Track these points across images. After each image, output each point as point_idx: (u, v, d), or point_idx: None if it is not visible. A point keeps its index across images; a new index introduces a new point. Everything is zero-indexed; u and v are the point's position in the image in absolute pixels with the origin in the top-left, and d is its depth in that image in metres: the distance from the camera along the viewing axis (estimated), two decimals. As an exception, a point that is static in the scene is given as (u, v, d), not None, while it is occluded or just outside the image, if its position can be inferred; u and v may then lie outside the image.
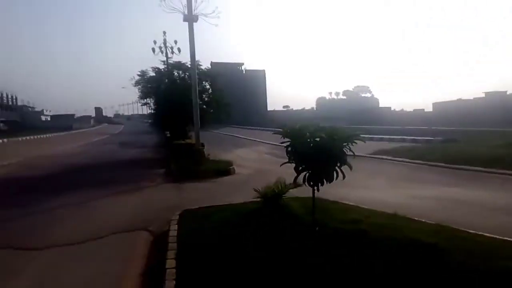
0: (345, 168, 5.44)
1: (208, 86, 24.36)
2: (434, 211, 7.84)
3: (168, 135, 27.89)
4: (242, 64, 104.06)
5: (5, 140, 35.27)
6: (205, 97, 23.64)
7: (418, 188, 10.97)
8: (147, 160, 19.95)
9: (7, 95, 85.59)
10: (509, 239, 5.30)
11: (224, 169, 14.15)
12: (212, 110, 23.57)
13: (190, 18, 14.70)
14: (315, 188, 5.54)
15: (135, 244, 5.99)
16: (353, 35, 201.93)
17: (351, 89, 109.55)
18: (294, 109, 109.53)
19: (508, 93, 76.64)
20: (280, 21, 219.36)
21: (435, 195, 9.72)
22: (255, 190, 6.77)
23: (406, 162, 17.17)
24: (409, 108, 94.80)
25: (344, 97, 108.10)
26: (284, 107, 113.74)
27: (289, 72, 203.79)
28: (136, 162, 19.11)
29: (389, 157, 18.18)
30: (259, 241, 5.36)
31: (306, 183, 5.49)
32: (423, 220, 6.37)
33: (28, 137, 40.95)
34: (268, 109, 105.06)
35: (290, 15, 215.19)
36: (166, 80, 24.60)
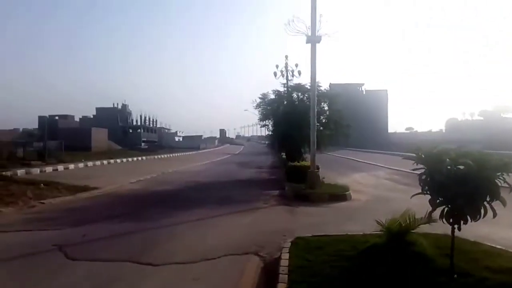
0: (496, 204, 4.37)
1: (326, 107, 23.96)
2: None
3: (284, 156, 28.15)
4: (363, 84, 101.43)
5: (144, 158, 40.18)
6: (323, 118, 23.25)
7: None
8: (262, 180, 20.27)
9: (149, 118, 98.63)
10: None
11: (339, 194, 13.38)
12: (328, 132, 22.99)
13: (313, 40, 14.64)
14: (456, 226, 4.56)
15: (245, 269, 5.76)
16: (490, 47, 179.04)
17: (489, 109, 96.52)
18: (418, 131, 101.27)
19: None
20: (402, 38, 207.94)
21: None
22: (378, 223, 5.97)
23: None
24: None
25: (481, 118, 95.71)
26: (407, 129, 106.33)
27: (413, 91, 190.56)
28: (251, 182, 19.55)
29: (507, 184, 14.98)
30: (380, 285, 4.59)
31: (443, 219, 4.56)
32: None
33: (162, 156, 46.02)
34: (389, 131, 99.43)
35: (413, 31, 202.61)
36: (285, 102, 25.05)
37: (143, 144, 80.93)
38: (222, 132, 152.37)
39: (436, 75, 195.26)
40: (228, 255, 6.50)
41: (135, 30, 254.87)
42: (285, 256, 5.79)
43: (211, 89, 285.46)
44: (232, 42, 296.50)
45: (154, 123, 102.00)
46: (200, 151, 66.04)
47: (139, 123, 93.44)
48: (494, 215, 4.36)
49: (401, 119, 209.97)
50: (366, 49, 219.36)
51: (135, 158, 38.08)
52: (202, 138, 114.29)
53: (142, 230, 8.42)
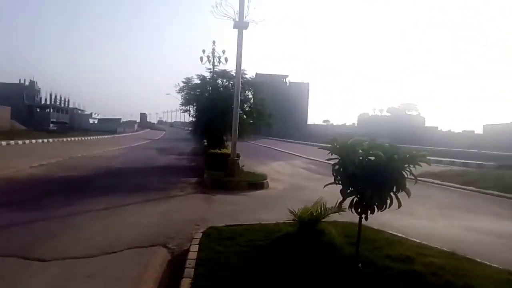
0: (400, 194, 4.50)
1: (250, 96, 23.88)
2: (496, 249, 6.65)
3: (206, 143, 27.67)
4: (287, 76, 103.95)
5: (50, 140, 36.59)
6: (246, 106, 23.16)
7: (472, 219, 9.66)
8: (181, 167, 19.62)
9: (60, 98, 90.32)
10: None
11: (257, 182, 13.40)
12: (252, 121, 23.02)
13: (240, 25, 14.29)
14: (363, 216, 4.62)
15: (149, 263, 5.30)
16: (400, 51, 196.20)
17: (396, 106, 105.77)
18: (334, 123, 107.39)
19: None
20: (325, 33, 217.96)
21: (493, 229, 8.41)
22: (291, 212, 5.92)
23: (457, 187, 15.66)
24: (457, 129, 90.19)
25: (389, 114, 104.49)
26: (324, 121, 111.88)
27: (331, 86, 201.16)
28: (170, 169, 18.80)
29: (437, 181, 16.69)
30: (290, 275, 4.50)
31: (352, 209, 4.59)
32: (488, 263, 5.22)
33: (73, 138, 42.38)
34: (308, 122, 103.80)
35: (336, 27, 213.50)
36: (209, 88, 24.42)
37: (52, 125, 74.08)
38: (143, 116, 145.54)
39: (352, 72, 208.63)
40: (133, 248, 5.97)
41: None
42: (194, 248, 5.46)
43: (133, 70, 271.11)
44: (159, 22, 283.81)
45: (67, 103, 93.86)
46: (117, 135, 62.25)
47: (48, 102, 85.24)
48: (399, 205, 4.49)
49: (319, 112, 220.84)
50: (293, 42, 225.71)
51: (40, 140, 34.49)
52: (121, 121, 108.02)
53: (36, 221, 7.41)
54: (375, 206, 4.50)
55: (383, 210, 4.54)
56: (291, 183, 15.23)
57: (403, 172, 4.42)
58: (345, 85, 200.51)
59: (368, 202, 4.47)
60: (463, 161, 26.48)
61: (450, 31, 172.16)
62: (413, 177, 4.55)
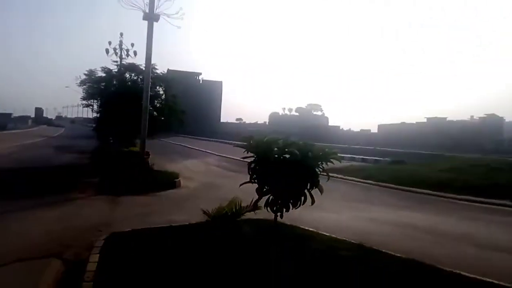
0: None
1: (161, 92, 22.86)
2: (397, 239, 7.20)
3: (112, 141, 25.82)
4: (200, 73, 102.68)
5: None
6: (157, 103, 22.11)
7: (374, 210, 10.44)
8: (82, 167, 17.94)
9: None
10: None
11: (168, 181, 12.83)
12: (163, 117, 22.08)
13: (150, 17, 13.46)
14: (279, 214, 4.54)
15: (40, 278, 4.58)
16: (309, 54, 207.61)
17: (303, 107, 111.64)
18: (246, 122, 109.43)
19: (447, 119, 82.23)
20: (239, 33, 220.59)
21: (392, 219, 9.17)
22: (204, 212, 5.64)
23: (358, 181, 16.90)
24: (356, 128, 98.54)
25: (297, 114, 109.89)
26: (237, 119, 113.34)
27: (244, 85, 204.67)
28: (69, 169, 17.07)
29: (341, 176, 17.82)
30: (202, 279, 4.23)
31: (268, 208, 4.48)
32: (392, 253, 5.58)
33: None
34: (221, 120, 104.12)
35: (249, 28, 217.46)
36: (116, 82, 22.77)
37: None
38: (39, 111, 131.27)
39: (263, 72, 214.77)
40: (22, 261, 5.13)
41: None
42: (94, 257, 4.87)
43: (29, 60, 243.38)
44: (61, 8, 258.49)
45: None
46: (7, 132, 55.13)
47: None
48: (313, 202, 4.49)
49: (232, 111, 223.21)
50: (207, 40, 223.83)
51: None
52: (12, 116, 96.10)
53: None
54: (290, 204, 4.45)
55: (297, 208, 4.52)
56: (205, 181, 14.91)
57: (316, 169, 4.44)
58: (257, 85, 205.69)
59: (283, 200, 4.41)
60: (362, 157, 28.85)
61: (355, 37, 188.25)
62: (325, 174, 4.60)
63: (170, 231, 6.20)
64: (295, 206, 4.50)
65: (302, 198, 4.49)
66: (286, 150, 4.38)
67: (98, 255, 4.96)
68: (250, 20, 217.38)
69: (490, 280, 4.56)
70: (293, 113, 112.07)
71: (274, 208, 4.53)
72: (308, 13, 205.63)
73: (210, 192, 11.92)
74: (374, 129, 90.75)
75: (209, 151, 31.46)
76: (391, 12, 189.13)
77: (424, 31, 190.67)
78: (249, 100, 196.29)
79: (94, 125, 34.70)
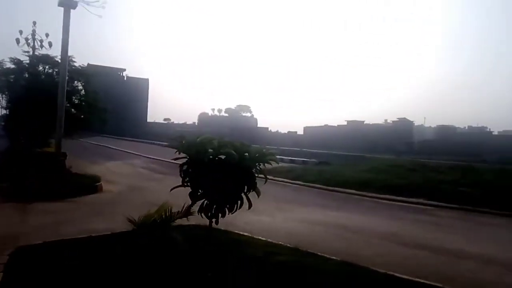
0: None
1: (80, 87, 21.08)
2: (329, 240, 7.30)
3: (23, 141, 23.24)
4: (124, 70, 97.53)
5: None
6: (76, 99, 20.34)
7: (304, 211, 10.57)
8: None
9: None
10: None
11: (89, 185, 11.79)
12: (83, 116, 20.37)
13: (67, 4, 12.26)
14: (214, 221, 4.24)
15: None
16: (238, 55, 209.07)
17: (233, 107, 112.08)
18: (175, 122, 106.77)
19: (365, 122, 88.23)
20: (166, 29, 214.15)
21: (322, 220, 9.34)
22: (129, 220, 5.10)
23: (287, 182, 17.17)
24: (283, 129, 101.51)
25: (226, 115, 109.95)
26: (165, 119, 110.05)
27: (172, 84, 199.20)
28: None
29: (271, 177, 17.95)
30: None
31: (202, 214, 4.16)
32: (327, 256, 5.55)
33: None
34: (148, 120, 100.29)
35: (177, 24, 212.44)
36: (27, 75, 20.46)
37: None
38: None
39: (192, 71, 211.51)
40: None
41: None
42: (-4, 278, 4.11)
43: None
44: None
45: None
46: None
47: None
48: (250, 206, 4.27)
49: (159, 110, 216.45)
50: (132, 35, 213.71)
51: None
52: None
53: None
54: (226, 209, 4.17)
55: (234, 213, 4.27)
56: (130, 184, 13.98)
57: (253, 171, 4.23)
58: (185, 84, 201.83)
59: (219, 205, 4.12)
60: (290, 158, 29.55)
61: (281, 41, 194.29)
62: (263, 176, 4.41)
63: (89, 243, 5.54)
64: (231, 211, 4.25)
65: (239, 202, 4.25)
66: (222, 151, 4.10)
67: (1, 274, 4.20)
68: (178, 16, 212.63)
69: (422, 281, 4.71)
70: (223, 113, 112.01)
71: (209, 214, 4.22)
72: (238, 12, 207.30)
73: (136, 197, 11.15)
74: (300, 131, 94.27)
75: (135, 152, 29.89)
76: (314, 16, 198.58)
77: (345, 38, 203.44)
78: (177, 100, 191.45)
79: (2, 123, 31.11)
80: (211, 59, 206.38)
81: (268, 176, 16.10)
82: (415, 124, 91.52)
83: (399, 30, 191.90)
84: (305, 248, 5.82)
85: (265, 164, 4.29)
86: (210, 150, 4.09)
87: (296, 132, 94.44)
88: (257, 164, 4.21)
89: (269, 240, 6.26)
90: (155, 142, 42.98)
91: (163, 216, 5.09)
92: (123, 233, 5.58)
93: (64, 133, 13.33)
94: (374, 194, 14.34)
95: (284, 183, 16.86)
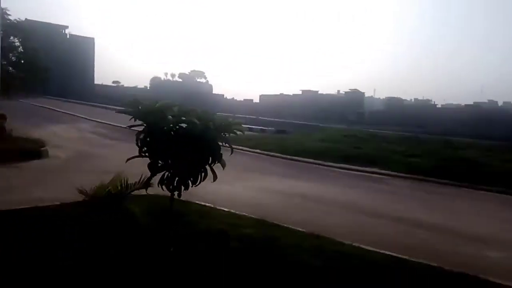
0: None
1: (18, 44, 19.18)
2: (290, 210, 7.23)
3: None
4: (66, 27, 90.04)
5: None
6: (13, 56, 18.54)
7: (264, 180, 10.48)
8: None
9: None
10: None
11: (32, 150, 10.82)
12: (21, 74, 18.65)
13: None
14: (176, 193, 3.88)
15: None
16: (193, 19, 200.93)
17: (187, 73, 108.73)
18: (125, 85, 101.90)
19: (319, 92, 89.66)
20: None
21: (282, 189, 9.28)
22: (80, 191, 4.61)
23: (246, 151, 16.98)
24: (239, 97, 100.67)
25: (180, 80, 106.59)
26: (114, 82, 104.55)
27: (121, 46, 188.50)
28: None
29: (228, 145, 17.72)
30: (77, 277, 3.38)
31: (164, 186, 3.78)
32: (293, 228, 5.42)
33: None
34: (96, 82, 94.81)
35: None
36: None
37: None
38: None
39: (145, 32, 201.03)
40: None
41: None
42: None
43: None
44: None
45: None
46: None
47: None
48: (215, 178, 3.95)
49: (108, 72, 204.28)
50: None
51: None
52: None
53: None
54: (189, 181, 3.82)
55: (197, 185, 3.93)
56: (78, 150, 13.07)
57: (218, 141, 3.89)
58: (136, 46, 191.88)
59: (181, 178, 3.75)
60: (248, 126, 29.29)
61: (239, 8, 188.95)
62: (228, 146, 4.08)
63: (33, 215, 4.99)
64: (195, 183, 3.90)
65: (203, 174, 3.90)
66: (184, 119, 3.68)
67: None
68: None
69: (388, 253, 4.72)
70: (176, 78, 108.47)
71: (171, 187, 3.85)
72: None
73: (86, 164, 10.40)
74: (256, 99, 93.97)
75: (82, 116, 28.11)
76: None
77: (302, 10, 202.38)
78: (127, 63, 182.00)
79: None
80: (163, 21, 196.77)
81: (225, 144, 15.70)
82: (366, 96, 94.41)
83: (353, 5, 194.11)
84: (269, 218, 5.67)
85: (231, 134, 3.95)
86: (171, 118, 3.66)
87: (252, 100, 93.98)
88: (222, 133, 3.86)
89: (232, 211, 6.03)
90: (104, 105, 40.73)
91: (119, 187, 4.65)
92: (74, 204, 5.08)
93: (2, 93, 12.04)
94: (331, 163, 14.55)
95: (243, 152, 16.63)
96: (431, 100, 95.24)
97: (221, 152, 3.98)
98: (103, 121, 23.64)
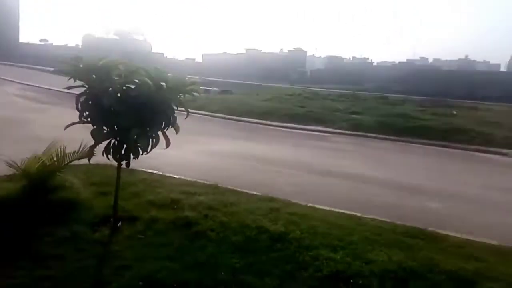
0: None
1: None
2: (243, 172, 7.11)
3: None
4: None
5: None
6: None
7: (213, 143, 10.20)
8: None
9: None
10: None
11: None
12: None
13: None
14: (124, 163, 3.53)
15: None
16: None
17: (123, 30, 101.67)
18: (54, 44, 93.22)
19: (262, 51, 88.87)
20: None
21: (232, 151, 9.14)
22: (10, 165, 4.07)
23: (192, 113, 16.43)
24: (181, 56, 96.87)
25: (116, 37, 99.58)
26: (41, 40, 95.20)
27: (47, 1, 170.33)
28: None
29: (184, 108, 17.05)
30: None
31: (110, 155, 3.41)
32: (248, 192, 5.28)
33: None
34: (21, 41, 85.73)
35: None
36: None
37: None
38: None
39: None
40: None
41: None
42: None
43: None
44: None
45: None
46: None
47: None
48: (168, 144, 3.66)
49: (34, 29, 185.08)
50: None
51: None
52: None
53: None
54: (139, 149, 3.48)
55: (148, 153, 3.61)
56: (4, 116, 11.75)
57: (172, 104, 3.56)
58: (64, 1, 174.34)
59: (131, 145, 3.40)
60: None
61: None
62: (184, 110, 3.77)
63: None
64: (145, 151, 3.58)
65: (154, 140, 3.59)
66: (133, 78, 3.29)
67: None
68: None
69: (342, 211, 4.79)
70: (112, 36, 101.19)
71: (118, 156, 3.50)
72: None
73: (14, 132, 9.37)
74: (199, 59, 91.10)
75: (6, 78, 25.35)
76: None
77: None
78: (55, 19, 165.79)
79: None
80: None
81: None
82: (308, 55, 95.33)
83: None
84: (222, 183, 5.49)
85: (186, 95, 3.63)
86: (117, 78, 3.24)
87: (194, 59, 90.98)
88: (179, 95, 3.53)
89: (183, 177, 5.76)
90: (31, 66, 37.05)
91: (55, 158, 4.17)
92: (3, 180, 4.52)
93: None
94: (277, 123, 14.59)
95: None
96: (368, 58, 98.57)
97: (175, 116, 3.67)
98: (31, 83, 21.53)
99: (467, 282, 3.02)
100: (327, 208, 4.86)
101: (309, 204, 4.88)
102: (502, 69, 75.16)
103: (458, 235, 4.14)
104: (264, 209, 4.35)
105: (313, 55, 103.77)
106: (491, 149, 11.14)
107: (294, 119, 15.11)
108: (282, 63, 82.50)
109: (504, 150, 10.92)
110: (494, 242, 3.99)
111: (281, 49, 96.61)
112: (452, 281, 3.03)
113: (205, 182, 5.48)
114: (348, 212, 4.74)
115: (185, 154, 8.43)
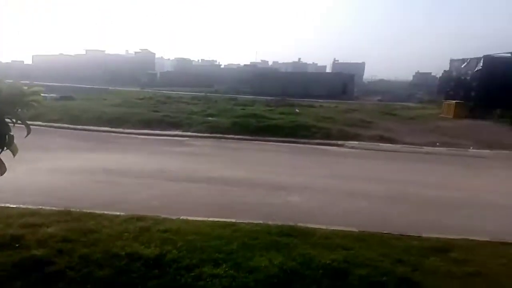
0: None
1: None
2: (96, 190, 6.35)
3: None
4: None
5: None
6: None
7: (54, 158, 8.91)
8: None
9: None
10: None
11: None
12: None
13: None
14: None
15: None
16: None
17: None
18: None
19: (106, 52, 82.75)
20: None
21: (78, 166, 8.11)
22: None
23: (21, 124, 14.07)
24: (6, 59, 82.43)
25: None
26: None
27: None
28: None
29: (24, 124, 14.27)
30: None
31: None
32: (105, 213, 4.66)
33: None
34: None
35: None
36: None
37: None
38: None
39: None
40: None
41: None
42: None
43: None
44: None
45: None
46: None
47: None
48: (3, 171, 2.90)
49: None
50: None
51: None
52: None
53: None
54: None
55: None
56: None
57: (6, 121, 2.83)
58: None
59: None
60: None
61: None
62: (22, 124, 3.06)
63: None
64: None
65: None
66: None
67: None
68: None
69: (211, 219, 4.63)
70: None
71: None
72: None
73: None
74: (28, 61, 79.11)
75: None
76: None
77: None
78: None
79: None
80: None
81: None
82: (156, 56, 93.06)
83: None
84: (74, 206, 4.72)
85: (26, 108, 2.93)
86: None
87: (22, 61, 78.63)
88: (16, 109, 2.81)
89: (22, 206, 4.74)
90: None
91: None
92: None
93: None
94: (131, 130, 13.69)
95: (17, 125, 13.66)
96: (216, 61, 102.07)
97: (11, 133, 2.94)
98: None
99: (341, 272, 3.24)
100: (200, 218, 4.65)
101: (181, 217, 4.59)
102: (328, 70, 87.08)
103: (323, 227, 4.46)
104: (133, 231, 3.88)
105: (162, 57, 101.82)
106: (330, 141, 12.73)
107: (149, 124, 14.43)
108: (130, 65, 78.46)
109: (340, 142, 12.61)
110: (354, 229, 4.45)
111: (127, 51, 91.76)
112: (327, 275, 3.21)
113: (53, 208, 4.62)
114: (222, 220, 4.63)
115: (22, 175, 7.07)
